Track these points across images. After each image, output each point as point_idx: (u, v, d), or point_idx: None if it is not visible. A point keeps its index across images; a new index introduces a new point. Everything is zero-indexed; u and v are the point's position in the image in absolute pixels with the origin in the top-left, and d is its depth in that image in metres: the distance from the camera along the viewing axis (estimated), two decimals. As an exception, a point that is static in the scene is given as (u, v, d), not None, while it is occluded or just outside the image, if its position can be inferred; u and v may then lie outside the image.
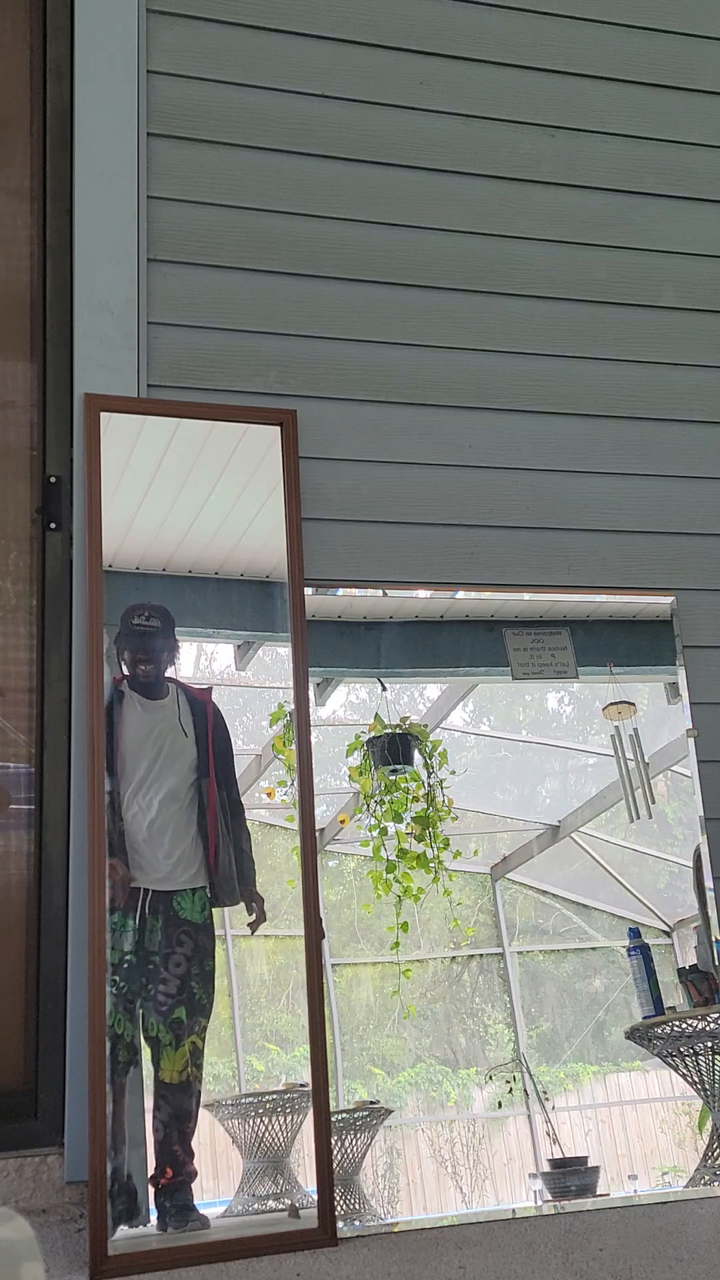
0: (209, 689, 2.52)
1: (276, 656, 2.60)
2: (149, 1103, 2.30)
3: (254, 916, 2.43)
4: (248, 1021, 2.46)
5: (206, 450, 2.64)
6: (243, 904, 2.44)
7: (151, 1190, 2.26)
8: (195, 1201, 2.29)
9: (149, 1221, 2.24)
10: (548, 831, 2.84)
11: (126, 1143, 2.26)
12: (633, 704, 2.87)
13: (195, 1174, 2.30)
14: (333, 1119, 2.37)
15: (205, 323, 2.72)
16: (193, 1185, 2.29)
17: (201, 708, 2.49)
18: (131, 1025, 2.30)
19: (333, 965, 2.55)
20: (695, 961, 2.74)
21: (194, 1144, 2.31)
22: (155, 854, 2.39)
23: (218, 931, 2.47)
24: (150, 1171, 2.26)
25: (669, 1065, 2.68)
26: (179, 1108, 2.31)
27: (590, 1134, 2.62)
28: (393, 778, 2.68)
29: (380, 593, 2.75)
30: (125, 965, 2.31)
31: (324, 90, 2.90)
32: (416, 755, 2.71)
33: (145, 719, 2.44)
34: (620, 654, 2.91)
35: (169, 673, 2.50)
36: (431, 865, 2.65)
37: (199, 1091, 2.33)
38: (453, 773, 2.71)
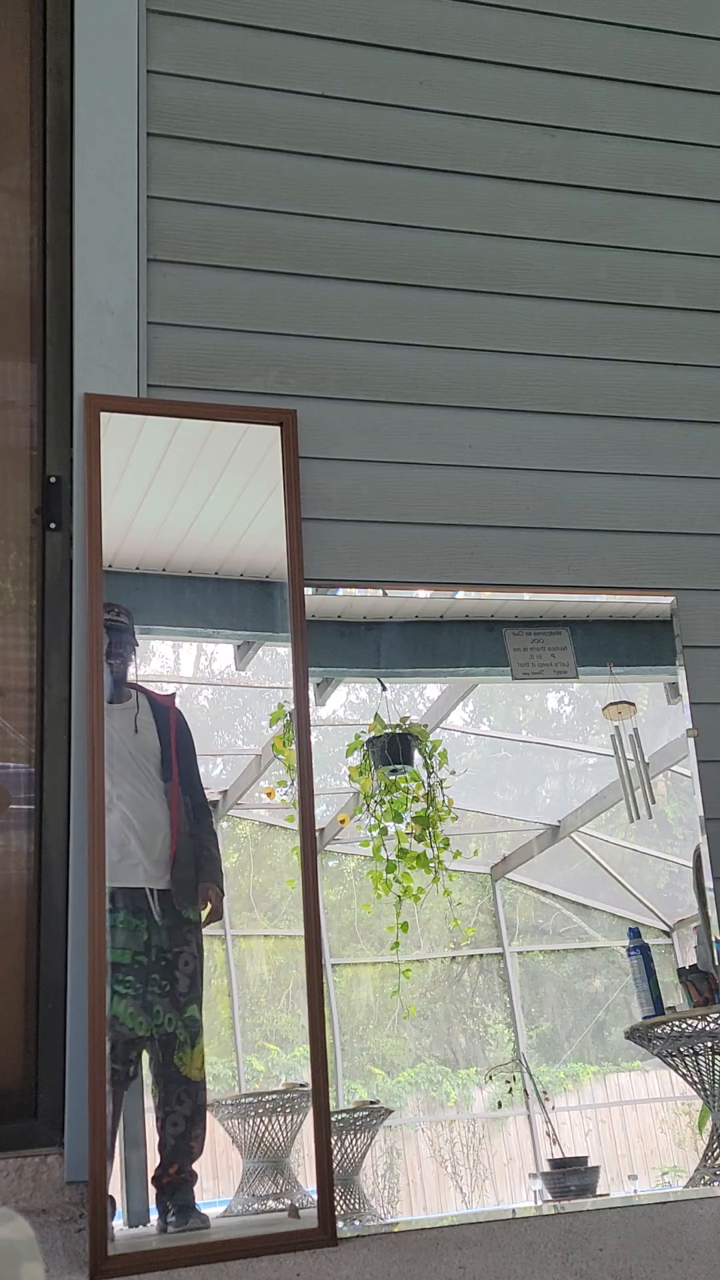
0: (172, 695, 2.51)
1: (276, 656, 2.60)
2: (155, 1100, 2.30)
3: (206, 910, 2.43)
4: (248, 1021, 2.46)
5: (206, 450, 2.64)
6: (199, 897, 2.43)
7: (153, 1189, 2.26)
8: (195, 1202, 2.29)
9: (149, 1220, 2.24)
10: (548, 831, 2.84)
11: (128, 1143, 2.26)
12: (633, 704, 2.87)
13: (197, 1175, 2.30)
14: (333, 1119, 2.37)
15: (205, 323, 2.72)
16: (194, 1186, 2.29)
17: (164, 713, 2.49)
18: (149, 1023, 2.31)
19: (333, 965, 2.55)
20: (695, 961, 2.74)
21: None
22: (151, 855, 2.39)
23: (218, 932, 2.47)
24: (153, 1170, 2.26)
25: (669, 1065, 2.68)
26: (199, 1104, 2.32)
27: (590, 1134, 2.62)
28: (393, 778, 2.68)
29: (380, 593, 2.75)
30: (139, 965, 2.32)
31: (324, 90, 2.90)
32: (416, 755, 2.71)
33: (112, 723, 2.44)
34: (620, 654, 2.91)
35: (130, 674, 2.49)
36: (431, 865, 2.65)
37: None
38: (453, 773, 2.71)
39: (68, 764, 2.47)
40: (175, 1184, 2.27)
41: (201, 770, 2.59)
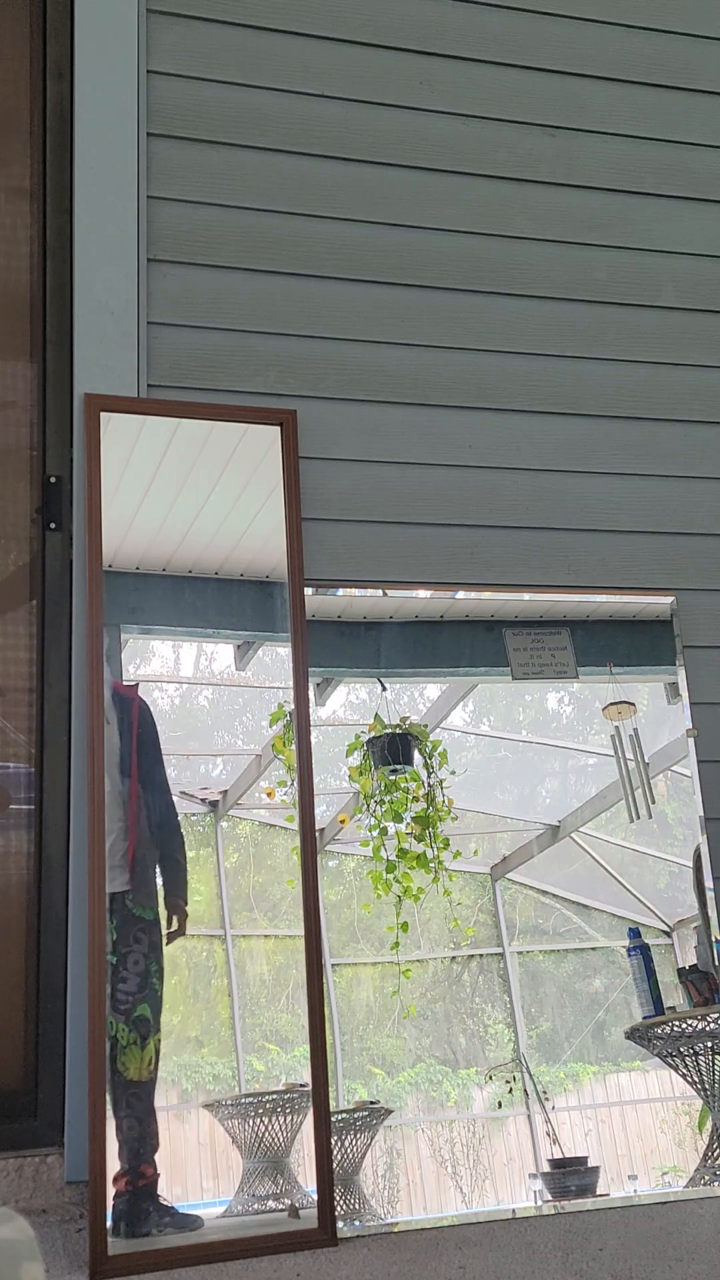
0: (135, 685, 2.48)
1: (276, 656, 2.60)
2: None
3: (174, 928, 2.39)
4: (248, 1021, 2.46)
5: (206, 450, 2.64)
6: (167, 913, 2.39)
7: (127, 1193, 2.22)
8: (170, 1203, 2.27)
9: (150, 1221, 2.24)
10: (548, 831, 2.84)
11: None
12: (633, 704, 2.87)
13: (159, 1174, 2.27)
14: (333, 1119, 2.37)
15: (205, 323, 2.72)
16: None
17: (127, 705, 2.45)
18: None
19: (333, 965, 2.55)
20: (695, 961, 2.74)
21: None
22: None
23: (217, 931, 2.47)
24: (120, 1174, 2.23)
25: (669, 1065, 2.68)
26: (149, 1104, 2.29)
27: (590, 1134, 2.62)
28: (393, 778, 2.68)
29: (380, 593, 2.75)
30: None
31: (324, 90, 2.89)
32: (416, 755, 2.71)
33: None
34: (620, 654, 2.91)
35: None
36: (431, 865, 2.65)
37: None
38: (453, 773, 2.71)
39: (68, 764, 2.46)
40: (152, 1186, 2.25)
41: (201, 770, 2.59)
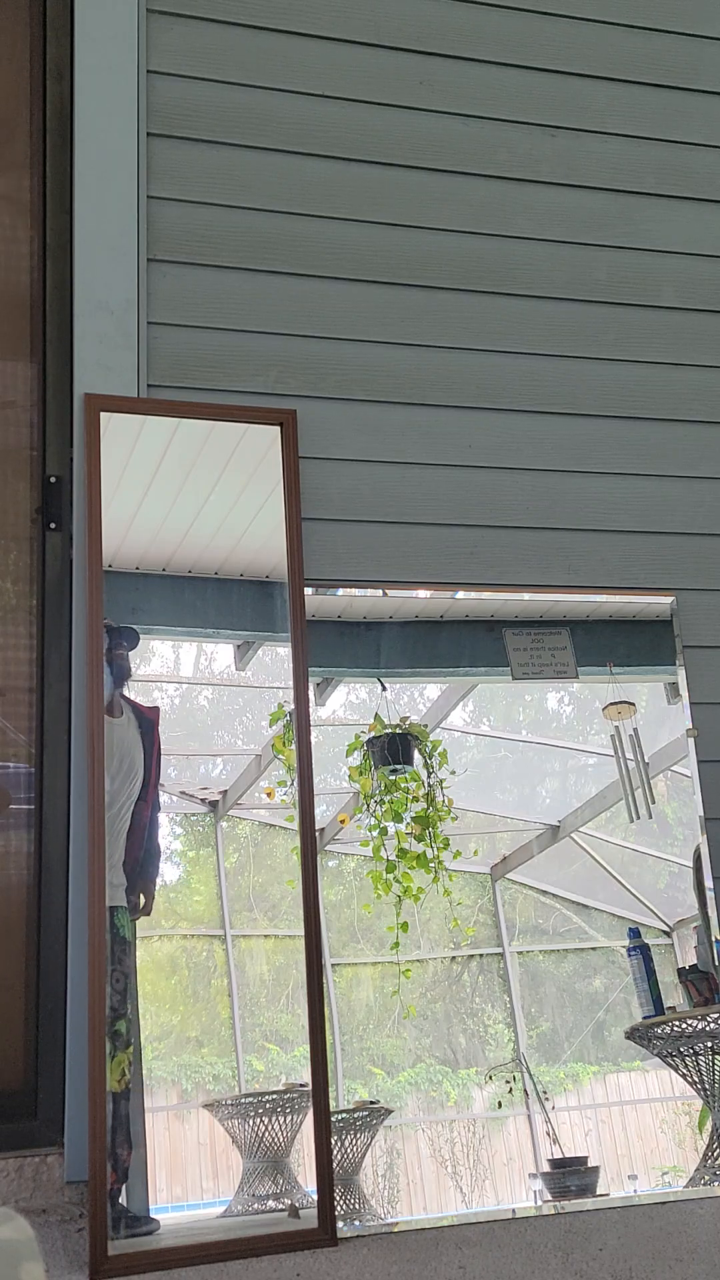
0: (156, 708, 2.49)
1: (276, 656, 2.60)
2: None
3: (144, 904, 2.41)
4: (248, 1021, 2.46)
5: (206, 450, 2.65)
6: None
7: None
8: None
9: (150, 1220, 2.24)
10: (548, 831, 2.84)
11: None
12: (633, 704, 2.87)
13: (128, 1176, 2.26)
14: (333, 1119, 2.37)
15: (205, 323, 2.72)
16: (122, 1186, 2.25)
17: (150, 726, 2.46)
18: None
19: (333, 965, 2.55)
20: (695, 961, 2.74)
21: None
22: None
23: (217, 931, 2.47)
24: None
25: (669, 1065, 2.68)
26: (121, 1113, 2.26)
27: (590, 1134, 2.62)
28: (393, 778, 2.68)
29: (380, 593, 2.75)
30: None
31: (324, 90, 2.89)
32: (416, 755, 2.71)
33: (110, 737, 2.41)
34: (620, 654, 2.91)
35: (120, 699, 2.47)
36: (431, 865, 2.65)
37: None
38: (453, 773, 2.71)
39: (68, 764, 2.47)
40: (114, 1192, 2.24)
41: (201, 770, 2.60)
